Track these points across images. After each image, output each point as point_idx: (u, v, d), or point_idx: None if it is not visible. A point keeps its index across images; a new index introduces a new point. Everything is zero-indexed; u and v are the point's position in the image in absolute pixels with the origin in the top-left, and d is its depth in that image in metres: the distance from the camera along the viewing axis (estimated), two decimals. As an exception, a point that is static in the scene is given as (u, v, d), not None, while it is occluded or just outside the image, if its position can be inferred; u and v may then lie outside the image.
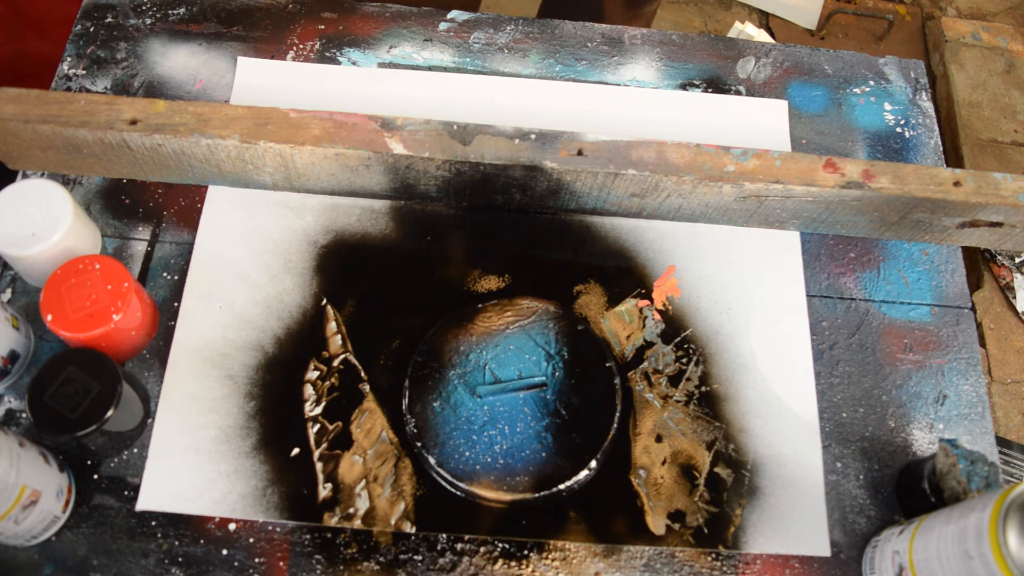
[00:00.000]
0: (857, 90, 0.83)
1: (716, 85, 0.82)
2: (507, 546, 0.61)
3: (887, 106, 0.83)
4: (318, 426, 0.63)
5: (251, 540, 0.59)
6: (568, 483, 0.61)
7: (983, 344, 1.48)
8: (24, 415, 0.62)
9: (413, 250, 0.71)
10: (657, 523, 0.62)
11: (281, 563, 0.59)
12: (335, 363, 0.66)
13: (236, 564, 0.59)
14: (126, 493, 0.60)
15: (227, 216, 0.71)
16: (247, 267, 0.69)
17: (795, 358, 0.69)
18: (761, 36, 1.69)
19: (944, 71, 1.78)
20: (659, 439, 0.65)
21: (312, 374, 0.65)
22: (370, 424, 0.64)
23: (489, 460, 0.61)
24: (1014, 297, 1.50)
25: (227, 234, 0.70)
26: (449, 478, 0.61)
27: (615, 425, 0.63)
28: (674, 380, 0.67)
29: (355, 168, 0.67)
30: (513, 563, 0.60)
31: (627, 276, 0.71)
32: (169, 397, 0.63)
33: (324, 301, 0.68)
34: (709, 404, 0.67)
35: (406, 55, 0.81)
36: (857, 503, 0.64)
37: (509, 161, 0.67)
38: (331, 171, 0.68)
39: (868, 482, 0.65)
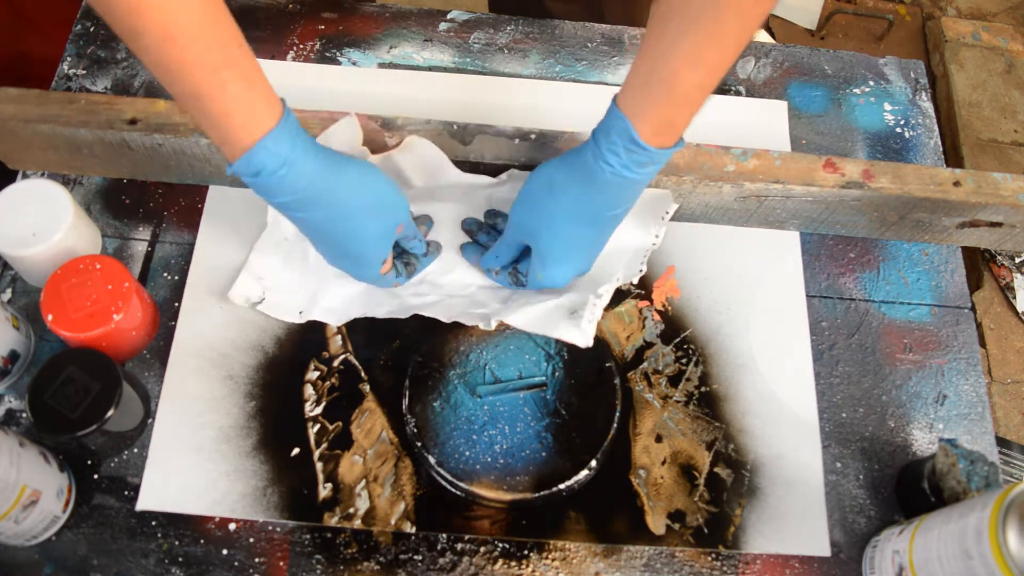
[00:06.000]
0: (857, 90, 0.83)
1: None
2: (507, 546, 0.61)
3: (887, 106, 0.83)
4: (318, 426, 0.63)
5: (251, 540, 0.59)
6: (568, 483, 0.61)
7: (983, 344, 1.48)
8: (24, 415, 0.62)
9: (413, 250, 0.71)
10: (657, 523, 0.62)
11: (281, 563, 0.59)
12: (335, 363, 0.66)
13: (236, 564, 0.59)
14: (126, 493, 0.60)
15: (227, 216, 0.71)
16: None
17: (795, 358, 0.69)
18: (761, 36, 1.69)
19: (944, 71, 1.78)
20: (659, 439, 0.65)
21: (312, 374, 0.65)
22: (370, 424, 0.64)
23: (489, 460, 0.61)
24: (1014, 297, 1.50)
25: (227, 234, 0.70)
26: (449, 478, 0.61)
27: (615, 425, 0.63)
28: (674, 380, 0.67)
29: (355, 168, 0.67)
30: (513, 563, 0.60)
31: (627, 276, 0.71)
32: (169, 397, 0.63)
33: (324, 301, 0.68)
34: (709, 404, 0.67)
35: (406, 55, 0.81)
36: (857, 503, 0.64)
37: (509, 161, 0.67)
38: (331, 171, 0.68)
39: (868, 482, 0.65)
